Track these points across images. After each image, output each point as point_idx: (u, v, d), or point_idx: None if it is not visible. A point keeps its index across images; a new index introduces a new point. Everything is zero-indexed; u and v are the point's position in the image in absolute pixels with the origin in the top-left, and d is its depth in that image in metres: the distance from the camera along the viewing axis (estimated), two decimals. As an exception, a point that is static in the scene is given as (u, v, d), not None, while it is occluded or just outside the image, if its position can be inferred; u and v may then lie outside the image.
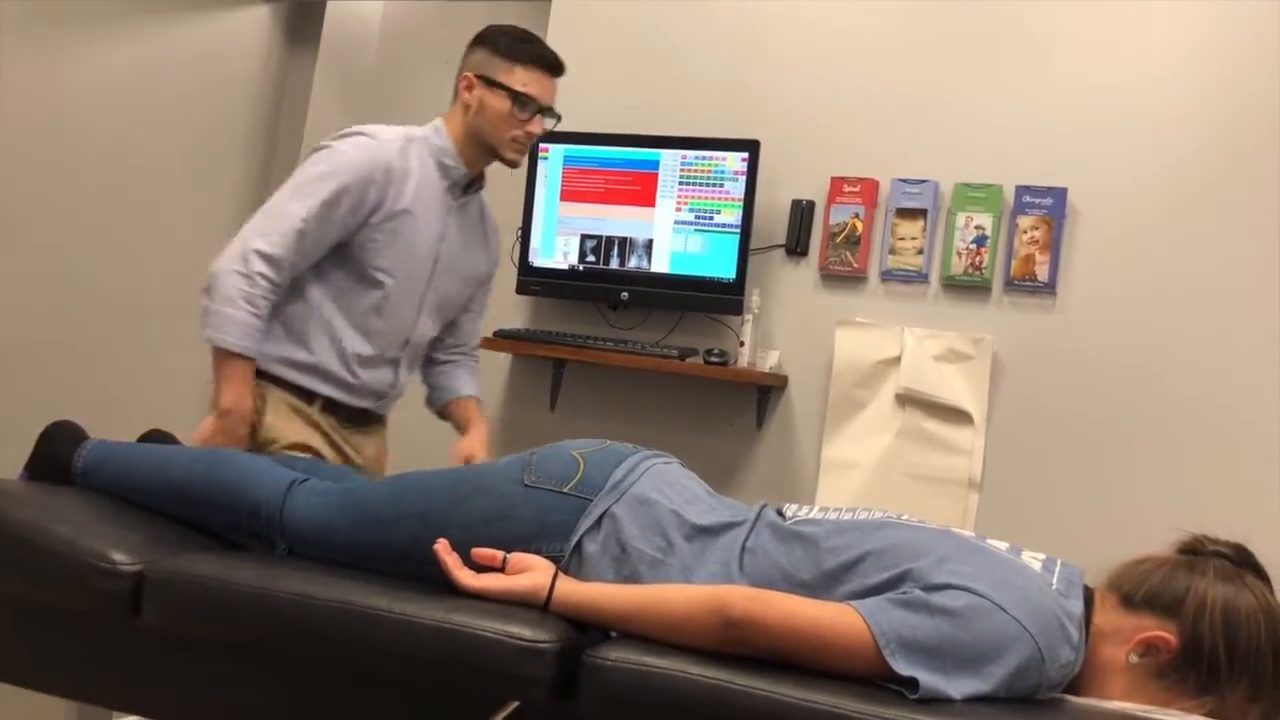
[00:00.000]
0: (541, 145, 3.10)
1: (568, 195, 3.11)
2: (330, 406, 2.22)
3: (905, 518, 1.45)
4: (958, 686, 1.21)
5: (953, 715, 1.15)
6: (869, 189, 2.89)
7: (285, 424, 2.15)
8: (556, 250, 3.12)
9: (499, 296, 2.68)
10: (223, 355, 2.05)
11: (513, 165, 2.31)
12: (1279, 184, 2.57)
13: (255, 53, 3.32)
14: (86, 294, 2.90)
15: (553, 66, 2.26)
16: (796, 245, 2.96)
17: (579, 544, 1.46)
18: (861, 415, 2.86)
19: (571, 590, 1.39)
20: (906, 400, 2.81)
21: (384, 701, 1.39)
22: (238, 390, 2.06)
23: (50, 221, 2.78)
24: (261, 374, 2.13)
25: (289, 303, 2.16)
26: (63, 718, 1.73)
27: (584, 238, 3.09)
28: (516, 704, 1.31)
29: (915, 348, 2.81)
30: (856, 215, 2.90)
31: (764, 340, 2.98)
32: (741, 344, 2.93)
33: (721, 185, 2.95)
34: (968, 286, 2.80)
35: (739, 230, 2.92)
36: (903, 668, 1.21)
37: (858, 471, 2.84)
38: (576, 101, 3.12)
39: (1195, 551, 1.41)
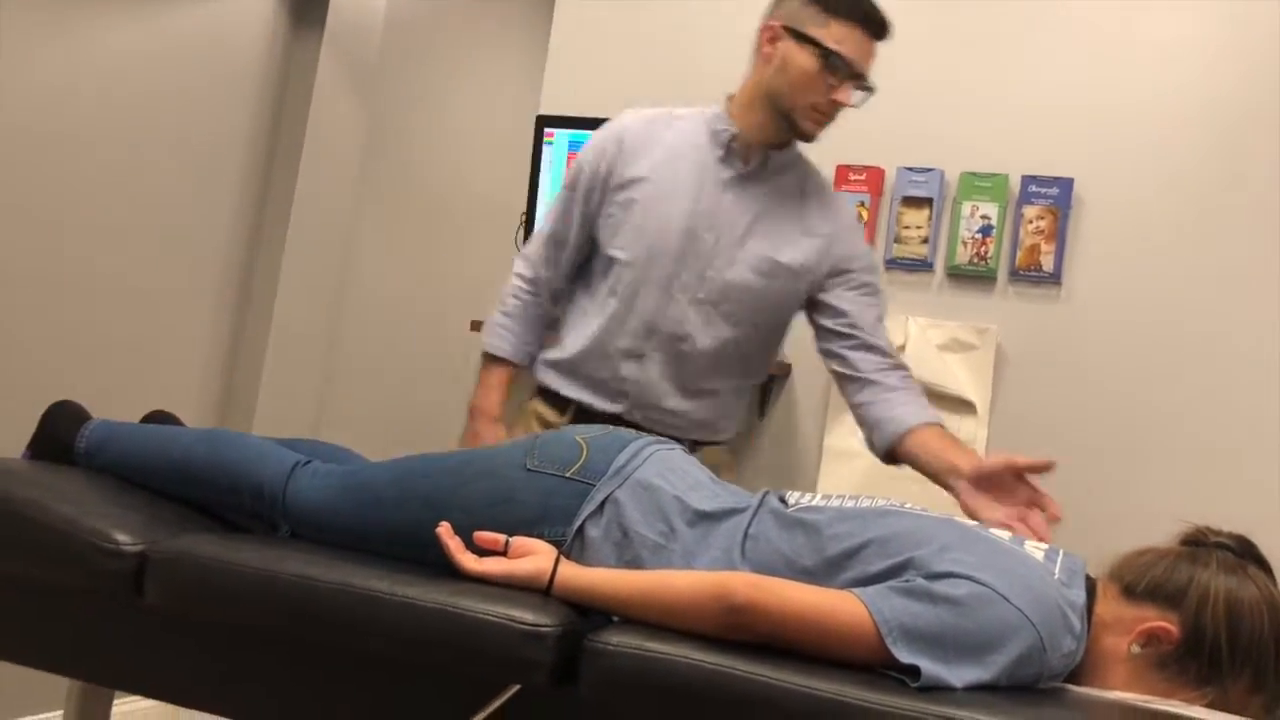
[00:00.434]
0: (547, 130, 3.07)
1: (572, 181, 3.10)
2: (582, 416, 2.02)
3: (908, 506, 1.45)
4: (959, 675, 1.21)
5: (954, 703, 1.15)
6: (874, 177, 2.89)
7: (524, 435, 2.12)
8: (561, 236, 3.10)
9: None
10: (482, 356, 2.09)
11: (808, 138, 2.00)
12: (1286, 176, 2.56)
13: (260, 36, 3.31)
14: (87, 277, 2.90)
15: (876, 26, 1.91)
16: (801, 233, 2.96)
17: (581, 529, 1.46)
18: (864, 404, 2.85)
19: (574, 575, 1.39)
20: (910, 389, 2.80)
21: (385, 684, 1.39)
22: (482, 392, 2.09)
23: (51, 204, 2.78)
24: (538, 389, 2.12)
25: (561, 307, 2.14)
26: (64, 697, 1.74)
27: (588, 224, 3.07)
28: (518, 688, 1.31)
29: (919, 337, 2.80)
30: (862, 203, 2.89)
31: (767, 328, 2.97)
32: (745, 332, 2.91)
33: (727, 172, 2.94)
34: (973, 276, 2.80)
35: (744, 217, 2.90)
36: (904, 656, 1.21)
37: (860, 460, 2.82)
38: (581, 87, 3.11)
39: (1198, 543, 1.41)
